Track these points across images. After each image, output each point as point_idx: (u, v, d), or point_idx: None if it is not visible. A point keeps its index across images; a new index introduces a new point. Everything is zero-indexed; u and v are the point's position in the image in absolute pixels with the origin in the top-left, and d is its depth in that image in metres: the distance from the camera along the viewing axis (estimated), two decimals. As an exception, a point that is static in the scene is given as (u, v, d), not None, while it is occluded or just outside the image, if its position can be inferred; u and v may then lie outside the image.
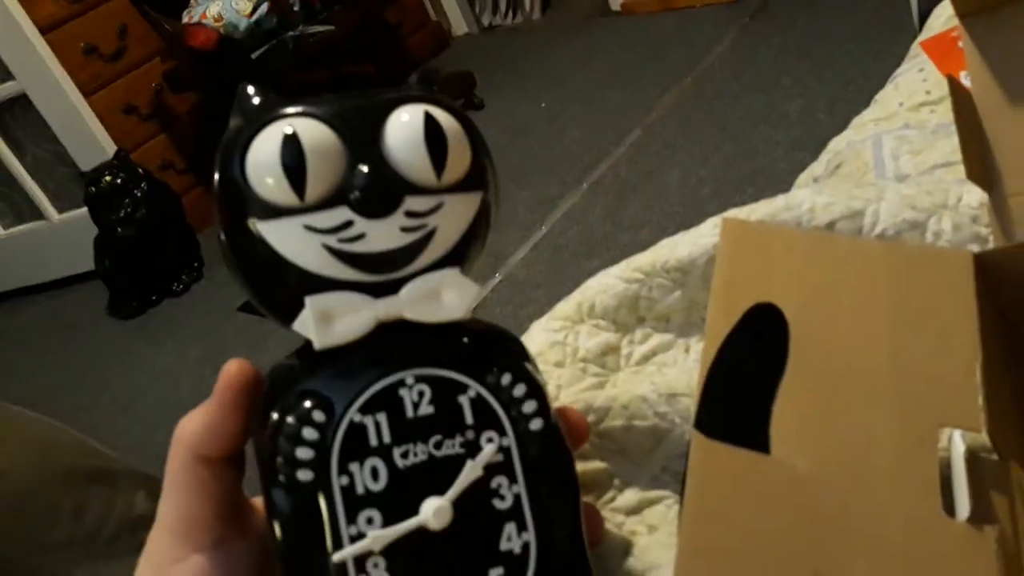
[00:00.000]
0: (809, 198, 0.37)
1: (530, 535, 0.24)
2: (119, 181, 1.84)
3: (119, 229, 1.86)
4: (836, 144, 0.51)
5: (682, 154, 1.66)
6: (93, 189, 1.84)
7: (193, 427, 0.24)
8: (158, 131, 2.13)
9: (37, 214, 2.21)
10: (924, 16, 0.59)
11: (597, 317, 0.40)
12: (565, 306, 0.41)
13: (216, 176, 0.24)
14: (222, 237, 0.25)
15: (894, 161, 0.45)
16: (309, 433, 0.23)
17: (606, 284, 0.40)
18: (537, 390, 0.25)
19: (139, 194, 1.86)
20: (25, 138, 2.11)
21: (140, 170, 1.90)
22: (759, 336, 0.28)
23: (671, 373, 0.37)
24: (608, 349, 0.39)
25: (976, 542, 0.23)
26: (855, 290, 0.28)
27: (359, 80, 2.07)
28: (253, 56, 1.85)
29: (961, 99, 0.34)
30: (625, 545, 0.32)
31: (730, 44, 1.94)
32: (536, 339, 0.39)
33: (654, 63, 2.04)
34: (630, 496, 0.34)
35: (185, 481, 0.24)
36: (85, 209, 1.92)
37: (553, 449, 0.25)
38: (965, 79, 0.36)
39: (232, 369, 0.25)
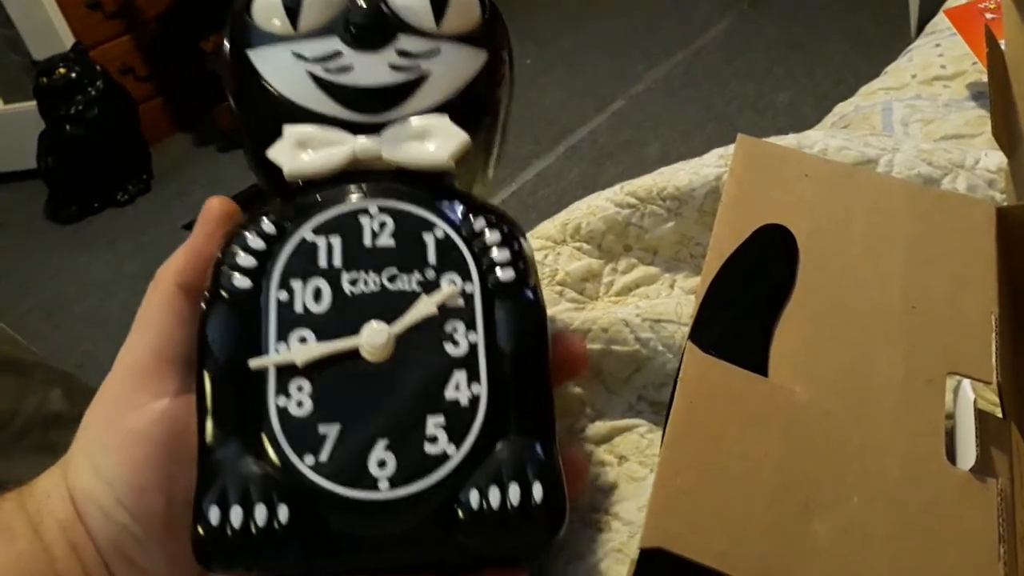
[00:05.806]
0: (822, 139, 0.35)
1: (482, 388, 0.21)
2: (73, 76, 1.72)
3: (68, 127, 1.74)
4: (842, 108, 0.49)
5: (664, 129, 1.64)
6: (44, 80, 1.72)
7: (175, 259, 0.24)
8: (122, 32, 2.01)
9: (-20, 101, 2.08)
10: (923, 22, 0.58)
11: (581, 240, 0.37)
12: (548, 225, 0.38)
13: (229, 14, 0.25)
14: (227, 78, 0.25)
15: (903, 127, 0.43)
16: (255, 242, 0.22)
17: (596, 206, 0.37)
18: (512, 240, 0.23)
19: (94, 93, 1.74)
20: (-24, 18, 1.97)
21: (97, 67, 1.78)
22: (767, 256, 0.26)
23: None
24: (589, 275, 0.37)
25: (977, 493, 0.21)
26: (871, 223, 0.27)
27: None
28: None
29: (996, 56, 0.32)
30: (591, 475, 0.29)
31: (725, 28, 1.92)
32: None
33: (646, 36, 2.00)
34: (600, 426, 0.31)
35: (162, 314, 0.24)
36: (33, 103, 1.79)
37: (523, 305, 0.23)
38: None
39: (214, 203, 0.25)
